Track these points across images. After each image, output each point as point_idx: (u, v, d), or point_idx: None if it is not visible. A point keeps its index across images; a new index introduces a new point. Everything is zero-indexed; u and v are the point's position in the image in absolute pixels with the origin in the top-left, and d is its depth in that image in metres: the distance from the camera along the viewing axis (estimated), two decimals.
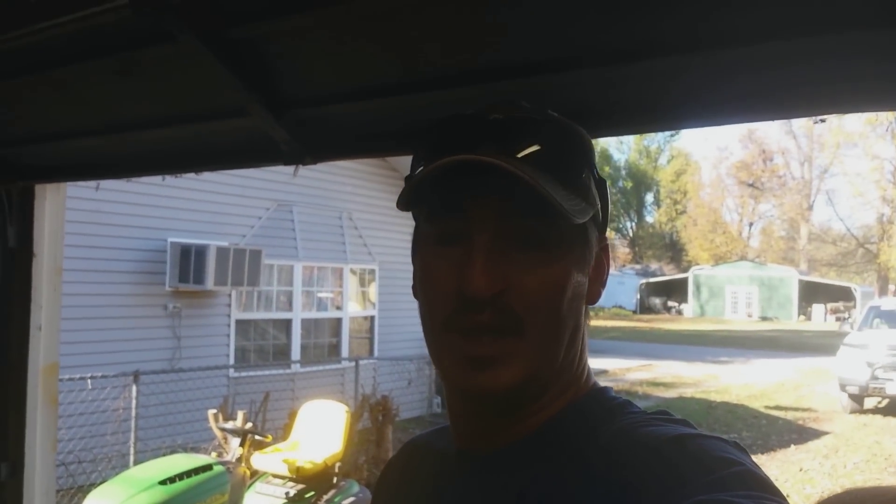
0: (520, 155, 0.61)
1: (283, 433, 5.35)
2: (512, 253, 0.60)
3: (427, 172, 0.59)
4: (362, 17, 0.85)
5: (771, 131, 54.23)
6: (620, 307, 37.73)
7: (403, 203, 0.62)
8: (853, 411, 10.70)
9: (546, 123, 0.64)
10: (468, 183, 0.59)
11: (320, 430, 4.76)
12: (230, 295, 7.82)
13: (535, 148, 0.61)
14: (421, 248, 0.66)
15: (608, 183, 0.70)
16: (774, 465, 7.70)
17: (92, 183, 5.82)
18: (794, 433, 9.42)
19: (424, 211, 0.66)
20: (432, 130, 0.66)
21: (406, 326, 9.18)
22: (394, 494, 0.77)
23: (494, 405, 0.63)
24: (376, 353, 9.35)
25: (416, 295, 0.67)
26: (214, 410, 4.88)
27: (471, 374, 0.60)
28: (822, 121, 0.90)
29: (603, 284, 0.68)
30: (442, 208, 0.63)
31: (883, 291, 34.05)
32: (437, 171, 0.59)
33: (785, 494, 0.49)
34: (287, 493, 4.32)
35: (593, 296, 0.67)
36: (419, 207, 0.66)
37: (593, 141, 0.70)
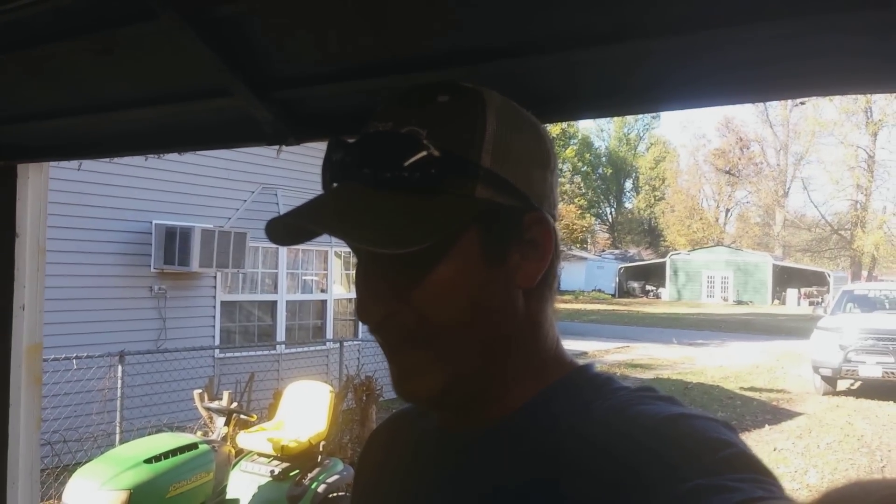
0: (383, 176, 0.59)
1: (268, 413, 5.37)
2: (391, 275, 0.60)
3: (272, 224, 0.63)
4: None
5: (748, 119, 54.70)
6: (600, 291, 38.06)
7: (277, 238, 0.65)
8: (826, 393, 10.87)
9: (422, 124, 0.60)
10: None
11: (305, 410, 4.78)
12: (215, 277, 7.78)
13: (397, 169, 0.59)
14: None
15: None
16: (749, 445, 7.85)
17: (74, 163, 5.75)
18: (769, 414, 9.57)
19: None
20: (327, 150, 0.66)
21: None
22: (377, 465, 0.77)
23: (430, 407, 0.66)
24: (360, 334, 9.35)
25: None
26: (200, 390, 4.87)
27: (397, 384, 0.63)
28: (802, 103, 0.91)
29: (541, 260, 0.63)
30: None
31: (856, 277, 34.63)
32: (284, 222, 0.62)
33: None
34: (272, 472, 4.34)
35: (526, 277, 0.62)
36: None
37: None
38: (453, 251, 0.60)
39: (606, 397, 0.60)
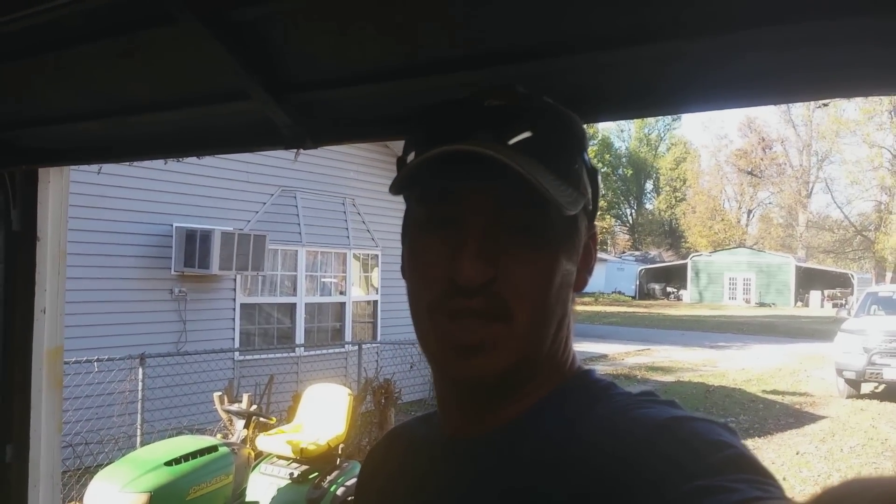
0: (512, 142, 0.60)
1: (287, 415, 5.39)
2: (503, 241, 0.60)
3: (422, 160, 0.59)
4: (363, 0, 0.85)
5: (770, 119, 54.07)
6: (620, 293, 37.80)
7: (396, 188, 0.62)
8: (850, 396, 10.75)
9: (542, 112, 0.64)
10: (462, 170, 0.59)
11: (324, 413, 4.80)
12: (235, 279, 7.84)
13: (529, 136, 0.61)
14: (412, 231, 0.66)
15: (602, 171, 0.71)
16: (771, 449, 7.75)
17: (94, 166, 5.82)
18: (791, 417, 9.47)
19: (416, 194, 0.65)
20: (426, 115, 0.66)
21: (408, 311, 9.17)
22: (378, 481, 0.77)
23: (484, 390, 0.64)
24: (379, 337, 9.38)
25: (404, 275, 0.67)
26: (220, 393, 4.91)
27: (458, 361, 0.61)
28: (825, 105, 0.90)
29: (590, 272, 0.68)
30: (435, 193, 0.63)
31: (880, 278, 34.11)
32: (432, 159, 0.58)
33: (781, 477, 0.49)
34: (291, 474, 4.36)
35: (580, 283, 0.67)
36: (411, 190, 0.65)
37: (592, 127, 0.70)
38: (562, 240, 0.63)
39: (607, 402, 0.61)
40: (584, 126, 0.68)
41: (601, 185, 0.70)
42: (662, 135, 57.41)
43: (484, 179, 0.59)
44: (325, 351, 8.76)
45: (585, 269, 0.67)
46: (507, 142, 0.60)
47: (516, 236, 0.60)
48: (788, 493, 0.47)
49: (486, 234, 0.60)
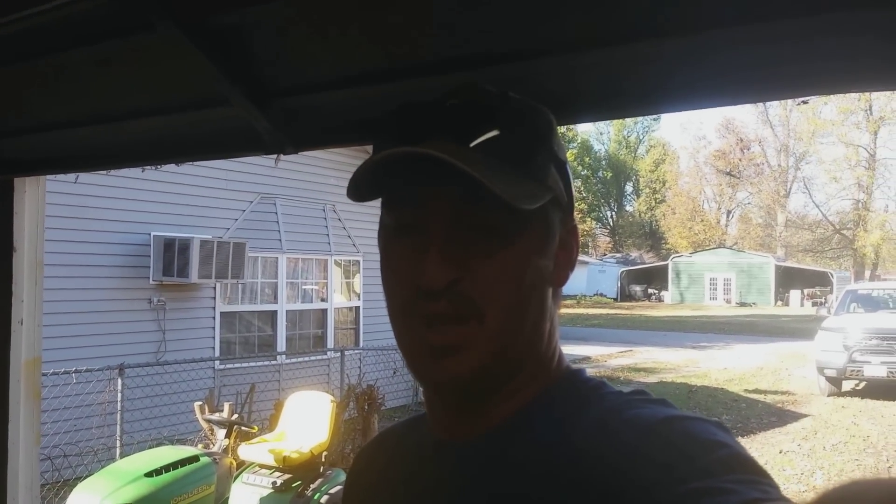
0: (474, 143, 0.60)
1: (269, 424, 5.35)
2: (467, 241, 0.60)
3: (370, 165, 0.59)
4: (345, 5, 0.85)
5: (748, 120, 54.95)
6: (602, 295, 38.08)
7: (351, 192, 0.62)
8: (831, 394, 10.88)
9: (502, 107, 0.63)
10: (422, 173, 0.59)
11: (306, 421, 4.77)
12: (215, 288, 7.79)
13: (490, 135, 0.60)
14: (382, 237, 0.66)
15: (582, 175, 0.69)
16: (754, 448, 7.84)
17: (71, 176, 5.75)
18: (774, 416, 9.57)
19: (384, 199, 0.65)
20: (391, 118, 0.65)
21: None
22: (368, 485, 0.76)
23: (460, 391, 0.63)
24: (361, 343, 9.36)
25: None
26: (200, 402, 4.87)
27: (431, 363, 0.61)
28: (805, 102, 0.91)
29: (571, 267, 0.67)
30: (398, 198, 0.63)
31: (859, 276, 34.71)
32: (387, 161, 0.58)
33: None
34: (274, 483, 4.33)
35: (560, 279, 0.67)
36: (375, 195, 0.65)
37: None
38: (530, 237, 0.62)
39: (599, 402, 0.61)
40: (552, 118, 0.66)
41: (571, 176, 0.69)
42: (641, 137, 58.05)
43: (442, 181, 0.59)
44: (307, 358, 8.71)
45: (565, 263, 0.67)
46: (466, 139, 0.60)
47: (479, 236, 0.60)
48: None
49: (448, 237, 0.60)
